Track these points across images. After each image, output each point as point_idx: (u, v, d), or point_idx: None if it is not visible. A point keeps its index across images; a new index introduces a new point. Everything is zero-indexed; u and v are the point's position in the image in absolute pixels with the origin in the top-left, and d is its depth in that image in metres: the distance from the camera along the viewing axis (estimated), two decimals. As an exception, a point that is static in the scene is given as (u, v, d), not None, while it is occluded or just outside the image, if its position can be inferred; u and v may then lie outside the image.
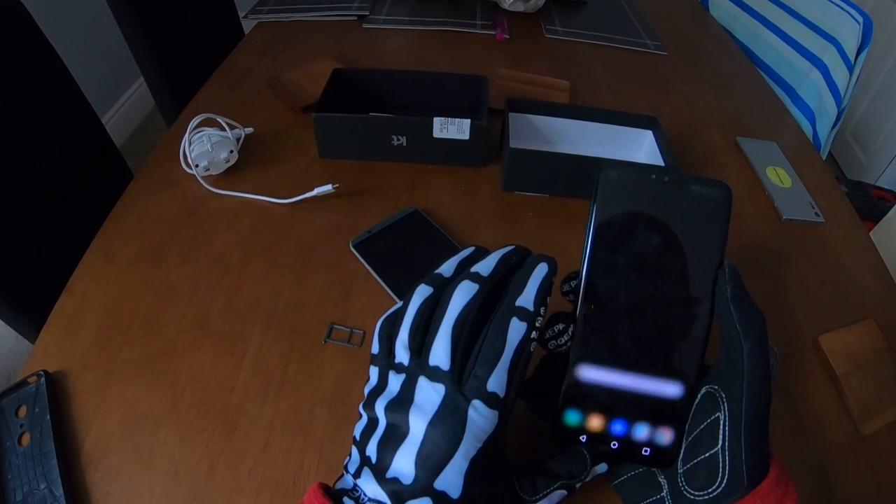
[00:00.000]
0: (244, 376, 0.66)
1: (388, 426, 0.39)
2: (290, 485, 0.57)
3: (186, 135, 0.85)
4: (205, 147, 0.86)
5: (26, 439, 0.58)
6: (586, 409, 0.45)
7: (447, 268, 0.44)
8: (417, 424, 0.37)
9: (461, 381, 0.38)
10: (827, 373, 0.73)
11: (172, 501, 0.56)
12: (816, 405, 0.70)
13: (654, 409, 0.44)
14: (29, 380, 0.62)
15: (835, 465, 0.64)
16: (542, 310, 0.40)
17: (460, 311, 0.39)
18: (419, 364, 0.39)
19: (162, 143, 0.98)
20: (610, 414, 0.45)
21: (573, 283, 0.46)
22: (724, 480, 0.39)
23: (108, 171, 1.23)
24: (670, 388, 0.44)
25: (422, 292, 0.42)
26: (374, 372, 0.43)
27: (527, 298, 0.40)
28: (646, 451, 0.45)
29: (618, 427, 0.45)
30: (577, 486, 0.45)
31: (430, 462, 0.36)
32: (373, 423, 0.41)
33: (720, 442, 0.40)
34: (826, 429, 0.68)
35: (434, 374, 0.38)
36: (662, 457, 0.45)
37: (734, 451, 0.39)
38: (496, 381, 0.37)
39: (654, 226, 0.44)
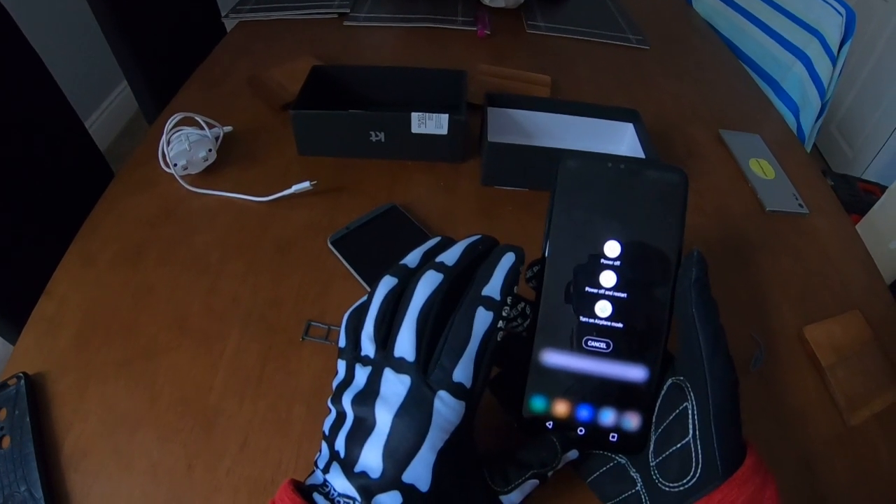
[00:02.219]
0: (222, 375, 0.65)
1: (356, 420, 0.39)
2: (269, 483, 0.57)
3: (164, 134, 0.85)
4: (183, 146, 0.85)
5: (6, 442, 0.58)
6: (552, 395, 0.45)
7: (412, 258, 0.43)
8: (384, 417, 0.37)
9: (427, 371, 0.37)
10: (813, 364, 0.73)
11: (151, 502, 0.55)
12: (802, 397, 0.70)
13: (619, 394, 0.45)
14: (8, 382, 0.62)
15: (821, 456, 0.64)
16: (508, 299, 0.40)
17: (424, 302, 0.39)
18: (385, 356, 0.39)
19: (141, 144, 0.97)
20: (575, 399, 0.45)
21: (535, 270, 0.46)
22: (698, 470, 0.39)
23: (91, 174, 1.22)
24: (634, 372, 0.44)
25: (386, 284, 0.41)
26: (341, 365, 0.43)
27: (493, 288, 0.39)
28: (613, 436, 0.45)
29: (584, 413, 0.45)
30: (549, 474, 0.45)
31: (398, 455, 0.36)
32: (341, 416, 0.41)
33: (690, 432, 0.40)
34: (812, 420, 0.68)
35: (399, 366, 0.38)
36: (630, 442, 0.45)
37: (705, 441, 0.39)
38: (462, 372, 0.37)
39: (613, 212, 0.45)
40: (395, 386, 0.37)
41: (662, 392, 0.44)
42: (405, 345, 0.38)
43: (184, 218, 0.84)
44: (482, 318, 0.38)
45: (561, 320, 0.45)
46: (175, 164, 0.86)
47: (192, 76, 1.19)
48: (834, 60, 1.43)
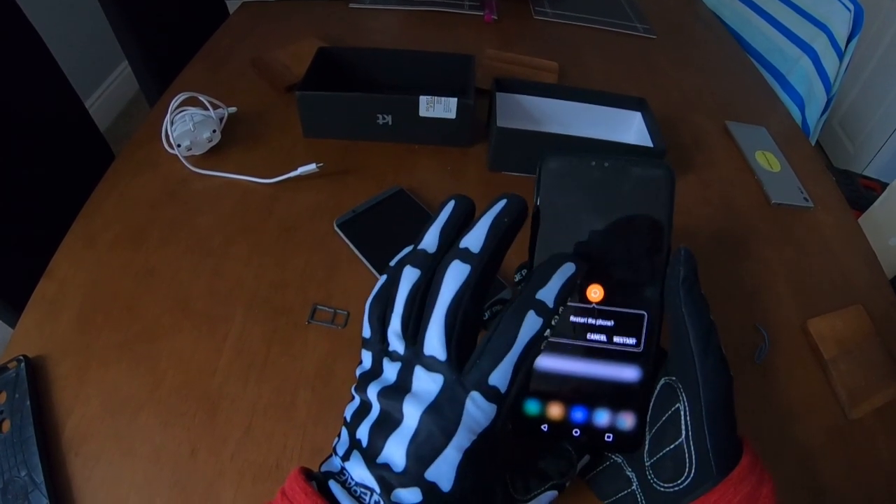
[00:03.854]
0: (226, 359, 0.65)
1: (382, 412, 0.37)
2: (273, 468, 0.56)
3: (168, 114, 0.84)
4: (187, 126, 0.84)
5: (6, 426, 0.57)
6: (545, 398, 0.44)
7: (430, 240, 0.41)
8: (412, 413, 0.35)
9: (461, 369, 0.36)
10: (815, 357, 0.73)
11: (153, 487, 0.55)
12: (804, 389, 0.70)
13: (613, 395, 0.44)
14: (8, 365, 0.61)
15: (822, 448, 0.65)
16: (560, 309, 0.38)
17: (453, 297, 0.37)
18: (414, 352, 0.38)
19: (144, 124, 0.96)
20: (569, 401, 0.44)
21: (525, 273, 0.45)
22: (692, 471, 0.39)
23: (91, 155, 1.21)
24: (627, 372, 0.44)
25: (409, 277, 0.39)
26: (366, 356, 0.41)
27: (548, 293, 0.37)
28: (609, 437, 0.44)
29: (578, 414, 0.44)
30: (567, 484, 0.45)
31: (423, 451, 0.35)
32: (365, 406, 0.39)
33: (683, 432, 0.40)
34: (814, 413, 0.68)
35: (430, 365, 0.36)
36: (626, 442, 0.44)
37: (698, 441, 0.39)
38: (499, 376, 0.35)
39: (598, 212, 0.44)
40: (426, 384, 0.36)
41: (655, 392, 0.43)
42: (434, 343, 0.36)
43: (187, 199, 0.83)
44: (531, 323, 0.36)
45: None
46: (179, 145, 0.85)
47: (195, 56, 1.18)
48: (841, 56, 1.42)
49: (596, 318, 0.43)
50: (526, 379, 0.38)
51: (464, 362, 0.36)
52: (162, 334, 0.67)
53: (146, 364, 0.64)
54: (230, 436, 0.59)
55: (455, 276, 0.37)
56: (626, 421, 0.44)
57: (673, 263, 0.42)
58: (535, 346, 0.36)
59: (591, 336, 0.43)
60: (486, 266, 0.38)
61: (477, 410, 0.35)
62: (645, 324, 0.43)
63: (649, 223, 0.43)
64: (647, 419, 0.43)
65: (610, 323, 0.43)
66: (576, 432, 0.44)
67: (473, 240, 0.38)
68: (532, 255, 0.45)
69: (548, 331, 0.37)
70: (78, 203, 0.82)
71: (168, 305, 0.70)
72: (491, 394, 0.35)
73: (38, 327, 0.67)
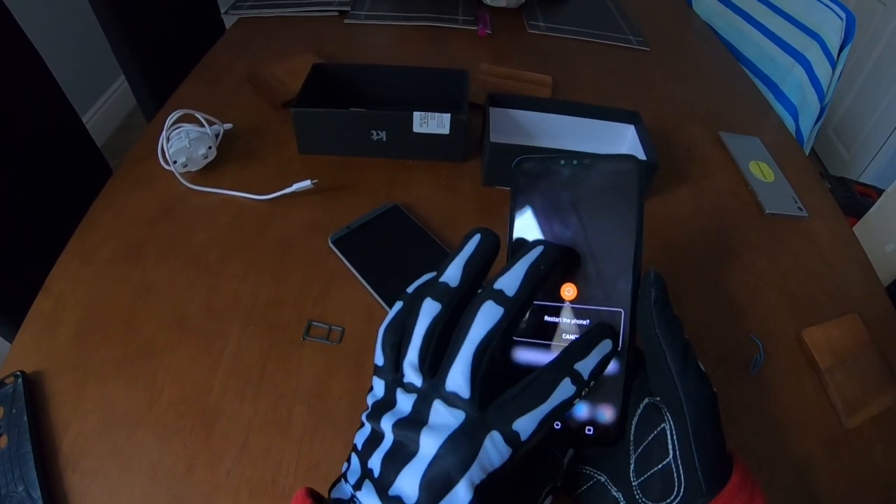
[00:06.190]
0: (222, 375, 0.65)
1: (396, 442, 0.37)
2: (269, 484, 0.57)
3: (164, 131, 0.84)
4: (183, 143, 0.85)
5: (3, 441, 0.57)
6: None
7: (452, 274, 0.40)
8: (429, 445, 0.35)
9: (483, 408, 0.36)
10: (811, 367, 0.73)
11: (151, 502, 0.55)
12: (800, 399, 0.70)
13: (591, 387, 0.44)
14: (6, 380, 0.62)
15: (819, 458, 0.65)
16: (591, 383, 0.38)
17: (483, 337, 0.36)
18: (433, 386, 0.37)
19: (140, 140, 0.97)
20: None
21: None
22: (682, 490, 0.38)
23: (88, 170, 1.21)
24: None
25: (429, 311, 0.38)
26: (378, 385, 0.41)
27: (586, 367, 0.38)
28: (589, 430, 0.44)
29: None
30: (559, 484, 0.45)
31: (436, 485, 0.34)
32: (377, 435, 0.38)
33: (671, 452, 0.39)
34: (810, 422, 0.68)
35: (452, 401, 0.36)
36: (606, 435, 0.44)
37: (686, 460, 0.39)
38: (523, 424, 0.35)
39: (569, 210, 0.44)
40: (445, 418, 0.35)
41: (638, 412, 0.43)
42: (458, 381, 0.36)
43: (183, 216, 0.84)
44: (565, 389, 0.36)
45: (529, 319, 0.45)
46: (175, 162, 0.85)
47: (191, 72, 1.19)
48: (833, 64, 1.43)
49: (571, 317, 0.43)
50: (543, 436, 0.38)
51: (485, 404, 0.36)
52: (159, 350, 0.67)
53: (143, 380, 0.64)
54: (227, 452, 0.59)
55: (487, 316, 0.37)
56: (606, 414, 0.44)
57: (644, 286, 0.42)
58: (563, 410, 0.36)
59: (567, 337, 0.44)
60: (518, 311, 0.37)
61: (493, 450, 0.34)
62: (622, 321, 0.43)
63: (620, 216, 0.43)
64: (631, 416, 0.43)
65: (585, 322, 0.44)
66: (556, 425, 0.44)
67: (509, 283, 0.38)
68: (508, 256, 0.45)
69: (576, 400, 0.37)
70: (75, 218, 0.83)
71: (165, 322, 0.70)
72: (511, 438, 0.35)
73: (36, 343, 0.67)
